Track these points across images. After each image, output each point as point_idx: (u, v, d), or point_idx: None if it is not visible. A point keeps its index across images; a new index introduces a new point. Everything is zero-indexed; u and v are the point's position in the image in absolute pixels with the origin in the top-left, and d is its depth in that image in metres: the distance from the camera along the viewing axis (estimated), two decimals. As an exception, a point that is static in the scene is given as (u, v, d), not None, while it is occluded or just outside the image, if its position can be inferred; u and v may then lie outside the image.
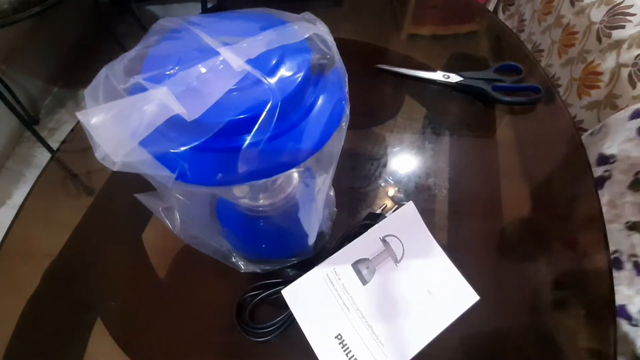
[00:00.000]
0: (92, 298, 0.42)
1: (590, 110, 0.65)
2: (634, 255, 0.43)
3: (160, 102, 0.19)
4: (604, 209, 0.46)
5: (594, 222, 0.45)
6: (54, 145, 1.23)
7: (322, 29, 0.25)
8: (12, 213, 0.47)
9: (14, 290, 0.43)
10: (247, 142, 0.21)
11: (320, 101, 0.25)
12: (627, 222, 0.45)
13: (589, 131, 0.59)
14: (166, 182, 0.21)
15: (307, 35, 0.24)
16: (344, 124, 0.26)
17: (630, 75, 0.58)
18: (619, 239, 0.45)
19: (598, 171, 0.50)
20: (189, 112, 0.20)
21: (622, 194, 0.46)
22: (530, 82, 0.59)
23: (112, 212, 0.49)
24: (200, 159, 0.22)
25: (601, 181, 0.49)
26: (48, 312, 0.41)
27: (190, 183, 0.22)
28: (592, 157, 0.52)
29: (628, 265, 0.44)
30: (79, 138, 0.54)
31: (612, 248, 0.45)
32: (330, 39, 0.25)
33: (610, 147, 0.50)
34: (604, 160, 0.50)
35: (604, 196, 0.48)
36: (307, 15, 0.26)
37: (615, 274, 0.43)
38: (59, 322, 0.41)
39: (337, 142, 0.26)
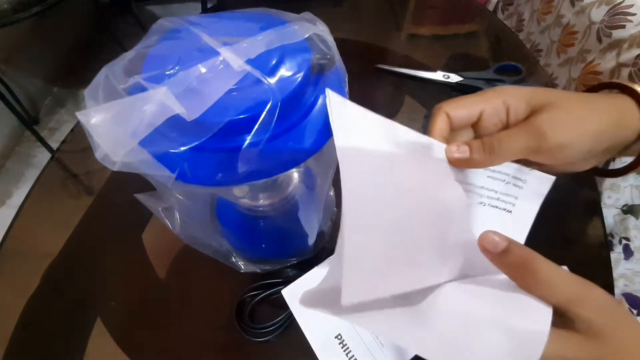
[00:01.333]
0: (92, 298, 0.42)
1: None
2: (626, 239, 0.43)
3: (160, 102, 0.19)
4: (605, 194, 0.46)
5: (596, 226, 0.45)
6: (54, 145, 1.23)
7: (322, 29, 0.25)
8: (12, 213, 0.47)
9: (14, 290, 0.43)
10: (247, 142, 0.21)
11: (320, 101, 0.25)
12: (624, 206, 0.44)
13: None
14: (166, 182, 0.21)
15: (307, 35, 0.24)
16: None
17: (630, 75, 0.58)
18: (614, 223, 0.45)
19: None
20: (189, 112, 0.20)
21: (624, 177, 0.46)
22: (530, 82, 0.59)
23: (112, 212, 0.49)
24: (200, 159, 0.22)
25: (605, 163, 0.49)
26: (48, 312, 0.41)
27: (190, 183, 0.22)
28: None
29: (618, 248, 0.43)
30: (79, 138, 0.54)
31: (607, 231, 0.45)
32: (330, 39, 0.25)
33: None
34: None
35: (606, 180, 0.48)
36: (307, 15, 0.26)
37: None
38: (59, 322, 0.41)
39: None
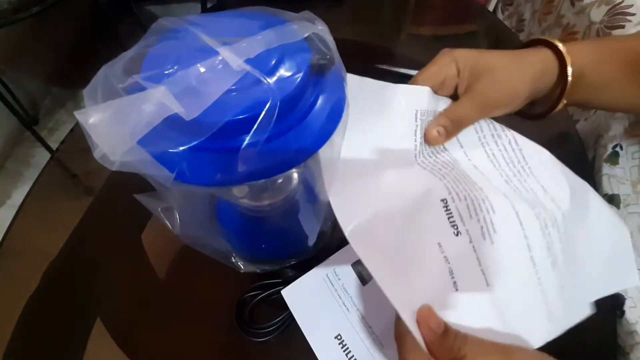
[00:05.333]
0: (92, 298, 0.42)
1: (587, 109, 0.65)
2: None
3: (158, 101, 0.19)
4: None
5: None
6: (54, 145, 1.23)
7: (321, 29, 0.25)
8: (11, 213, 0.47)
9: (14, 290, 0.43)
10: (245, 142, 0.21)
11: (319, 101, 0.25)
12: (605, 195, 0.44)
13: (584, 117, 0.60)
14: (164, 181, 0.21)
15: (306, 35, 0.24)
16: (344, 125, 0.26)
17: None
18: None
19: (591, 153, 0.51)
20: (187, 112, 0.20)
21: (599, 167, 0.46)
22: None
23: (112, 212, 0.49)
24: (199, 158, 0.22)
25: (592, 161, 0.50)
26: (48, 312, 0.41)
27: (188, 183, 0.22)
28: (591, 141, 0.52)
29: None
30: (79, 138, 0.54)
31: None
32: (330, 38, 0.25)
33: (601, 126, 0.51)
34: (596, 140, 0.51)
35: (595, 176, 0.48)
36: (307, 14, 0.26)
37: None
38: (59, 322, 0.41)
39: (336, 142, 0.26)
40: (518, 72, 0.34)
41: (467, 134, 0.35)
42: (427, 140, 0.33)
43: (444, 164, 0.32)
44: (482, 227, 0.27)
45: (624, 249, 0.32)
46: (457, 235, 0.27)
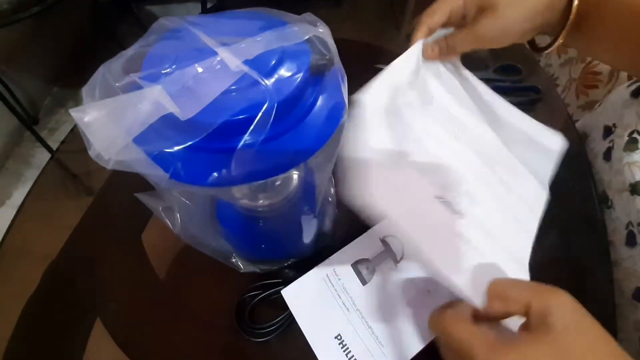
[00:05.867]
0: (92, 298, 0.42)
1: (588, 110, 0.65)
2: None
3: (154, 100, 0.19)
4: (614, 180, 0.46)
5: (594, 224, 0.45)
6: (54, 145, 1.23)
7: (322, 31, 0.25)
8: (12, 213, 0.47)
9: (13, 291, 0.43)
10: (241, 143, 0.21)
11: (318, 103, 0.25)
12: (630, 184, 0.44)
13: (584, 116, 0.60)
14: (160, 181, 0.21)
15: (307, 37, 0.24)
16: (343, 126, 0.26)
17: (629, 76, 0.58)
18: (629, 208, 0.44)
19: (605, 144, 0.50)
20: (183, 111, 0.20)
21: (620, 158, 0.46)
22: (529, 82, 0.59)
23: (112, 212, 0.49)
24: (194, 158, 0.22)
25: (608, 153, 0.49)
26: (48, 312, 0.41)
27: (183, 182, 0.22)
28: (599, 133, 0.52)
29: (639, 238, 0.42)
30: (79, 138, 0.54)
31: (625, 220, 0.44)
32: (330, 41, 0.25)
33: (610, 117, 0.50)
34: (608, 131, 0.50)
35: (612, 167, 0.48)
36: (309, 16, 0.26)
37: (630, 252, 0.42)
38: (59, 322, 0.41)
39: (336, 144, 0.26)
40: (517, 10, 0.36)
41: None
42: (424, 53, 0.39)
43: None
44: (463, 196, 0.34)
45: (534, 125, 0.39)
46: (454, 213, 0.33)
